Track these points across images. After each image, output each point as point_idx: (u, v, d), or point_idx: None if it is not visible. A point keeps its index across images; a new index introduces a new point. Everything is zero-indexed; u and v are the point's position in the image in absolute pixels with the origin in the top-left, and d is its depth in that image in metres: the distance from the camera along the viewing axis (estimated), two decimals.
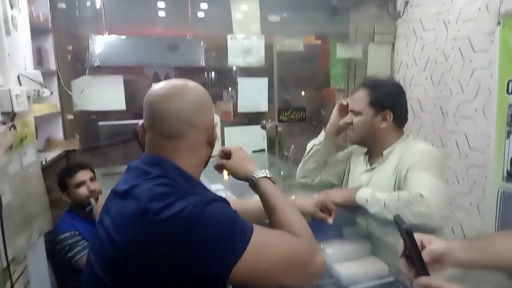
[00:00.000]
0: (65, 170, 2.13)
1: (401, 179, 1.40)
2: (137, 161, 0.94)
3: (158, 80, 3.30)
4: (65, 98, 2.70)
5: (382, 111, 1.45)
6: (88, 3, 2.77)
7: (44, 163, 2.15)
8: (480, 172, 2.41)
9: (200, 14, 2.93)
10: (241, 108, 3.04)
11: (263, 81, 3.06)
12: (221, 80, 3.21)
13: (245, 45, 2.96)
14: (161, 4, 2.85)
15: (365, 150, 1.61)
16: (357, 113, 1.49)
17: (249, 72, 3.07)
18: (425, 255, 0.78)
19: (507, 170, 2.17)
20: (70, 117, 2.73)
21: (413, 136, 1.54)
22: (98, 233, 0.88)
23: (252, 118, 3.19)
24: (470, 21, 2.48)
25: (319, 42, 3.46)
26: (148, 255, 0.78)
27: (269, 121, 3.15)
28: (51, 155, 2.42)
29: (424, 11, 2.90)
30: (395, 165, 1.44)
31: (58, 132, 2.69)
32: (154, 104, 0.91)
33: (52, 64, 2.63)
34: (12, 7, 1.79)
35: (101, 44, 2.68)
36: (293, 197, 1.36)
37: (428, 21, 2.86)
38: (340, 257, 1.34)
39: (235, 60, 2.95)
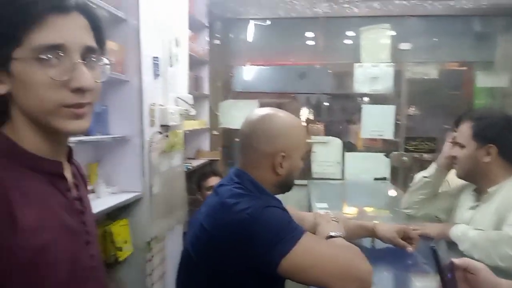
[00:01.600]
0: (201, 175, 2.60)
1: (501, 220, 1.31)
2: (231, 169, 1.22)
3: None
4: (213, 117, 3.27)
5: (485, 145, 1.38)
6: (237, 40, 3.33)
7: (191, 167, 2.68)
8: None
9: (331, 44, 3.16)
10: (364, 134, 3.09)
11: (390, 108, 3.06)
12: (346, 106, 3.34)
13: (373, 72, 3.04)
14: (292, 37, 3.20)
15: (475, 186, 1.54)
16: (461, 146, 1.45)
17: (376, 99, 3.11)
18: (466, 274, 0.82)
19: None
20: (216, 132, 3.29)
21: None
22: (196, 218, 1.17)
23: (377, 146, 3.20)
24: None
25: (459, 68, 3.25)
26: (221, 238, 1.02)
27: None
28: (198, 162, 2.97)
29: None
30: (499, 204, 1.35)
31: (206, 145, 3.28)
32: (242, 126, 1.17)
33: (206, 89, 3.24)
34: (177, 45, 2.36)
35: (242, 74, 3.17)
36: (375, 221, 1.42)
37: None
38: None
39: (361, 87, 3.05)
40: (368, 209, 2.17)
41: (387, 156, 3.08)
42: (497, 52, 2.98)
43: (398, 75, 3.03)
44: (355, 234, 1.40)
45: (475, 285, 0.85)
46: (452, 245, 1.39)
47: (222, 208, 1.04)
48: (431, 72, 3.03)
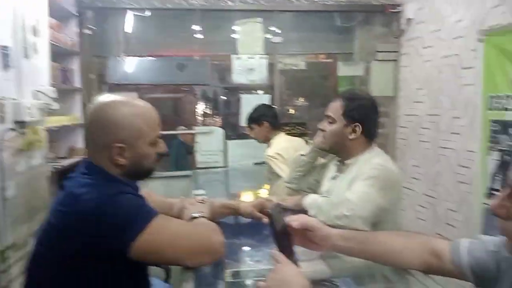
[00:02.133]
0: (64, 173, 2.43)
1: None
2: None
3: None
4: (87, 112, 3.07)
5: (353, 123, 1.51)
6: (112, 31, 3.17)
7: (59, 167, 2.48)
8: (467, 188, 2.38)
9: (207, 36, 3.22)
10: (243, 122, 3.22)
11: (266, 98, 3.24)
12: (226, 96, 3.44)
13: (249, 64, 3.18)
14: (172, 29, 3.18)
15: (339, 158, 1.67)
16: (331, 122, 1.57)
17: (254, 89, 3.27)
18: (297, 223, 0.94)
19: (489, 187, 2.13)
20: None
21: (378, 151, 1.57)
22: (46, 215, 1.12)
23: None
24: (458, 38, 2.50)
25: (324, 60, 3.59)
26: (71, 229, 0.99)
27: None
28: (70, 161, 2.76)
29: (424, 29, 2.94)
30: (353, 175, 1.51)
31: (80, 142, 3.06)
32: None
33: (77, 82, 3.02)
34: (35, 34, 2.15)
35: (118, 65, 3.04)
36: (234, 201, 1.52)
37: (427, 39, 2.90)
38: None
39: (239, 78, 3.18)
40: (249, 192, 2.27)
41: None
42: (355, 44, 3.36)
43: (271, 67, 3.23)
44: (220, 213, 1.48)
45: (313, 239, 0.97)
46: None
47: (69, 199, 1.02)
48: (300, 63, 3.30)
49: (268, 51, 3.21)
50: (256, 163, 3.26)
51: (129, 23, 3.12)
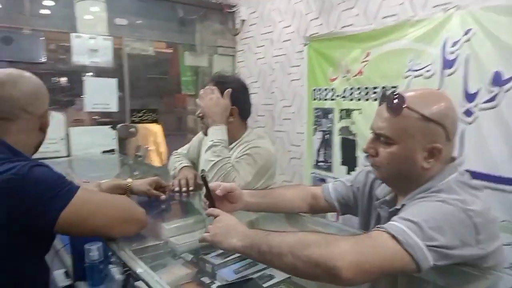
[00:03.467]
0: None
1: None
2: None
3: None
4: None
5: (230, 107, 1.59)
6: None
7: None
8: (298, 162, 3.00)
9: (41, 9, 2.83)
10: (88, 107, 3.01)
11: (112, 82, 3.11)
12: (67, 78, 3.12)
13: (92, 44, 2.98)
14: None
15: None
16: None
17: (95, 71, 3.08)
18: (218, 190, 1.10)
19: (315, 159, 2.78)
20: None
21: (256, 133, 1.65)
22: None
23: (101, 119, 3.20)
24: (287, 41, 3.10)
25: (170, 49, 3.69)
26: None
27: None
28: None
29: (257, 31, 3.45)
30: (235, 157, 1.61)
31: None
32: None
33: None
34: None
35: None
36: (129, 179, 1.52)
37: (259, 39, 3.41)
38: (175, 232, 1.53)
39: (80, 58, 2.94)
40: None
41: (113, 128, 3.15)
42: (197, 36, 3.60)
43: (118, 51, 3.12)
44: (113, 193, 1.46)
45: (230, 199, 1.15)
46: None
47: None
48: (148, 48, 3.30)
49: (112, 33, 3.08)
50: (104, 151, 3.10)
51: None
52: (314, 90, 2.78)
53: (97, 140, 3.07)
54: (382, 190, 1.11)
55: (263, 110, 3.38)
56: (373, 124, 1.00)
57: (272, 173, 1.65)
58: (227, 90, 1.57)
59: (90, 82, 3.02)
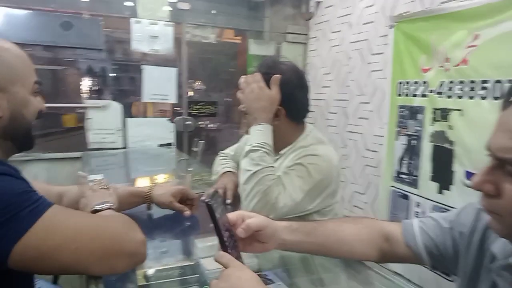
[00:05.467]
0: None
1: None
2: None
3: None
4: None
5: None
6: None
7: None
8: (374, 172, 2.49)
9: None
10: (145, 98, 2.85)
11: (172, 71, 2.91)
12: (123, 65, 3.00)
13: (152, 30, 2.79)
14: None
15: None
16: None
17: (156, 60, 2.90)
18: (240, 229, 0.74)
19: (396, 170, 2.25)
20: None
21: (315, 137, 1.29)
22: None
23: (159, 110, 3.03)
24: (368, 24, 2.57)
25: (236, 37, 3.40)
26: None
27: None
28: None
29: (333, 14, 2.97)
30: (286, 166, 1.26)
31: None
32: None
33: None
34: None
35: None
36: (150, 186, 1.25)
37: (336, 23, 2.93)
38: (208, 252, 1.24)
39: (139, 46, 2.77)
40: (154, 178, 2.00)
41: (171, 121, 2.96)
42: (265, 23, 3.24)
43: (178, 36, 2.90)
44: (128, 203, 1.19)
45: (258, 238, 0.79)
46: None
47: None
48: (210, 36, 3.04)
49: (173, 19, 2.86)
50: (161, 145, 2.93)
51: None
52: (400, 83, 2.24)
53: (154, 133, 2.92)
54: (502, 246, 0.68)
55: (336, 107, 2.91)
56: (491, 143, 0.57)
57: (333, 191, 1.24)
58: (275, 77, 1.18)
59: (148, 71, 2.85)
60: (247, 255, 0.84)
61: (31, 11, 2.48)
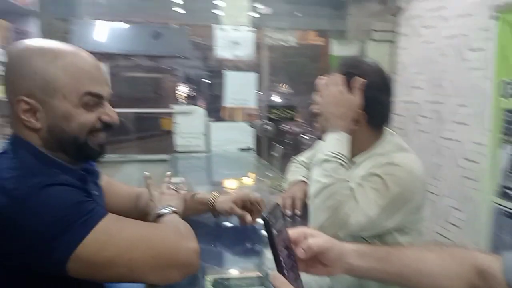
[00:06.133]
0: None
1: None
2: None
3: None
4: None
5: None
6: None
7: None
8: (473, 185, 2.19)
9: (187, 3, 2.85)
10: (227, 102, 2.92)
11: (252, 76, 2.94)
12: (209, 72, 3.11)
13: (234, 36, 2.85)
14: None
15: None
16: None
17: (237, 65, 2.95)
18: (300, 249, 0.67)
19: (500, 184, 1.94)
20: None
21: (395, 143, 1.15)
22: None
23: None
24: (465, 17, 2.27)
25: (318, 39, 3.30)
26: None
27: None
28: None
29: (424, 7, 2.70)
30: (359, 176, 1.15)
31: None
32: None
33: None
34: None
35: (83, 30, 2.64)
36: (215, 193, 1.23)
37: (427, 17, 2.66)
38: None
39: (222, 52, 2.85)
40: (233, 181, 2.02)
41: (251, 125, 2.99)
42: (348, 21, 3.09)
43: (259, 41, 2.91)
44: (194, 210, 1.19)
45: (322, 260, 0.71)
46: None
47: None
48: (290, 39, 2.99)
49: (254, 24, 2.88)
50: (242, 149, 2.98)
51: None
52: (506, 83, 1.94)
53: (235, 137, 2.98)
54: None
55: (428, 110, 2.64)
56: None
57: (416, 206, 1.09)
58: (358, 80, 1.07)
59: (230, 77, 2.91)
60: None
61: (127, 24, 2.71)
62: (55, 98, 0.78)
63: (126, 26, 2.72)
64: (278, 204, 0.64)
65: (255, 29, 2.86)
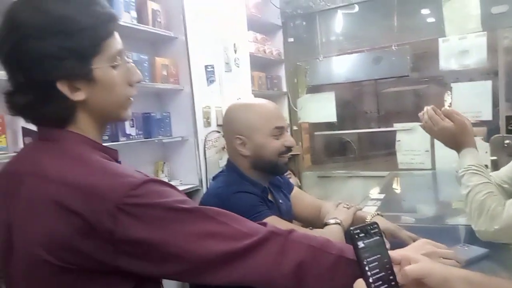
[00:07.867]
0: None
1: None
2: None
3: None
4: (293, 113, 3.37)
5: None
6: (308, 37, 3.33)
7: None
8: None
9: (408, 22, 2.89)
10: None
11: (485, 85, 2.61)
12: (432, 86, 2.99)
13: (461, 45, 2.65)
14: (368, 21, 3.03)
15: None
16: None
17: (465, 75, 2.70)
18: (398, 274, 0.66)
19: None
20: (295, 128, 3.38)
21: None
22: None
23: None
24: None
25: None
26: None
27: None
28: None
29: None
30: None
31: None
32: None
33: (284, 87, 3.36)
34: (236, 51, 2.57)
35: (316, 67, 3.17)
36: (374, 213, 1.31)
37: None
38: None
39: (447, 63, 2.70)
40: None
41: (486, 140, 2.63)
42: None
43: (491, 45, 2.57)
44: (355, 224, 1.35)
45: (428, 286, 0.68)
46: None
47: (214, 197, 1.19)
48: None
49: (486, 27, 2.57)
50: None
51: (329, 23, 3.21)
52: None
53: None
54: None
55: None
56: None
57: None
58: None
59: (458, 89, 2.70)
60: None
61: (348, 55, 3.05)
62: (256, 133, 1.22)
63: (349, 57, 3.06)
64: (375, 223, 0.67)
65: (486, 32, 2.55)
